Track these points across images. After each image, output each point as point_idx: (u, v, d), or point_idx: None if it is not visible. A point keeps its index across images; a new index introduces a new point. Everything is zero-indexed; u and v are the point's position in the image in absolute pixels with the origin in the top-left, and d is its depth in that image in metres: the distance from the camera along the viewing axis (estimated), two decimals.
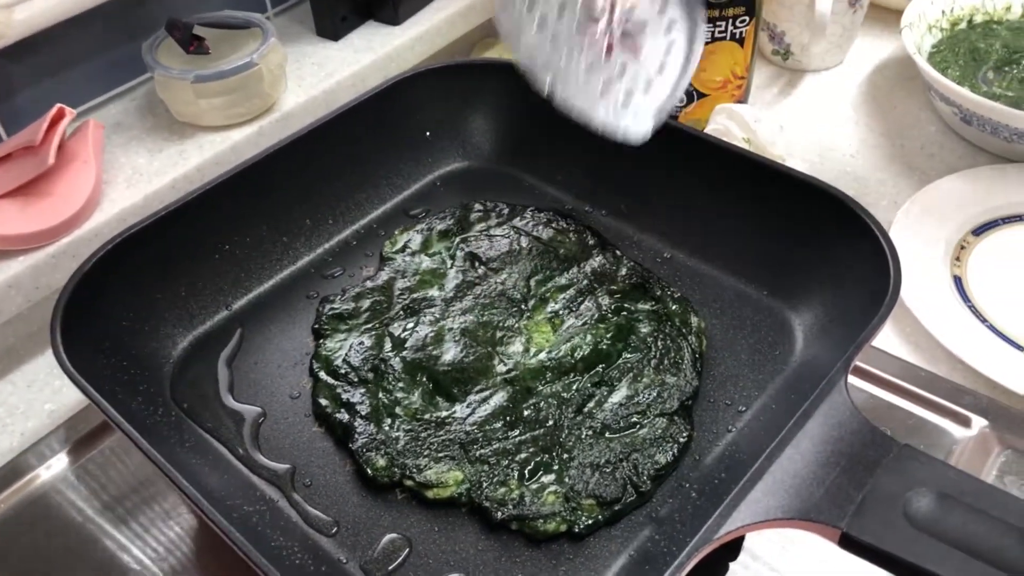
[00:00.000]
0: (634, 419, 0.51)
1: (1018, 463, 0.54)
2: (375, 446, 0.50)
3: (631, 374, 0.53)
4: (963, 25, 0.86)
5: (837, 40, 0.88)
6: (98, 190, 0.66)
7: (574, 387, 0.53)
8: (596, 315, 0.57)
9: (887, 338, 0.63)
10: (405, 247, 0.63)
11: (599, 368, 0.54)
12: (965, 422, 0.57)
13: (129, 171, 0.69)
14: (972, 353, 0.60)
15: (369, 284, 0.60)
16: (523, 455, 0.50)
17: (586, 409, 0.52)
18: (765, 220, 0.59)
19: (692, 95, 0.79)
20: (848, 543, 0.38)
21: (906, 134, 0.82)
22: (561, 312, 0.58)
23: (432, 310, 0.58)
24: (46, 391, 0.64)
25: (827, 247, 0.56)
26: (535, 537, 0.47)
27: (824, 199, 0.56)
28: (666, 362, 0.54)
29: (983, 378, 0.59)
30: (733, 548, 0.50)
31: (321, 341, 0.57)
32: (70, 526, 0.55)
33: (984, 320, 0.63)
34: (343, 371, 0.55)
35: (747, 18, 0.74)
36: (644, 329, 0.56)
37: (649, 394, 0.52)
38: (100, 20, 0.71)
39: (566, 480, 0.49)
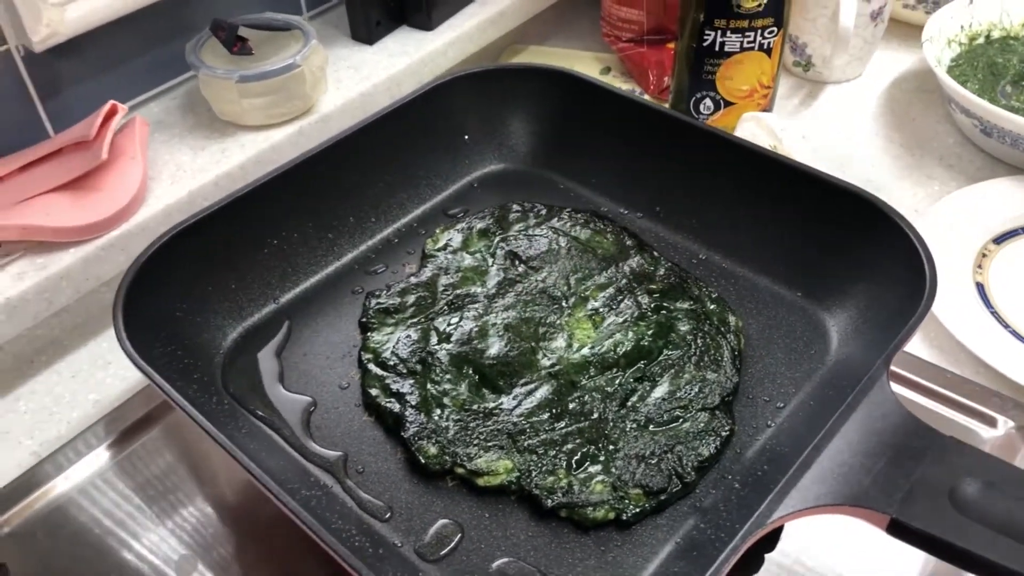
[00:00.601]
0: (677, 413, 0.53)
1: None
2: (426, 435, 0.52)
3: (672, 370, 0.55)
4: (981, 40, 0.88)
5: (858, 53, 0.90)
6: (145, 185, 0.67)
7: (617, 382, 0.55)
8: (636, 313, 0.58)
9: (913, 342, 0.65)
10: (447, 245, 0.65)
11: (641, 364, 0.56)
12: (991, 423, 0.59)
13: (173, 168, 0.71)
14: (996, 357, 0.62)
15: (413, 280, 0.62)
16: (570, 446, 0.51)
17: (629, 403, 0.54)
18: (799, 223, 0.61)
19: (719, 103, 0.81)
20: (897, 529, 0.40)
21: (925, 145, 0.84)
22: (601, 310, 0.59)
23: (475, 306, 0.60)
24: (90, 382, 0.65)
25: (860, 250, 0.58)
26: (584, 524, 0.49)
27: (858, 203, 0.58)
28: (706, 359, 0.56)
29: (1007, 381, 0.61)
30: (771, 540, 0.52)
31: (368, 334, 0.59)
32: (108, 519, 0.56)
33: (1007, 326, 0.65)
34: (392, 363, 0.56)
35: (775, 29, 0.76)
36: (684, 327, 0.57)
37: (691, 389, 0.54)
38: (144, 20, 0.73)
39: (613, 470, 0.50)
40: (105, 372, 0.66)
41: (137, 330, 0.52)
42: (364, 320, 0.60)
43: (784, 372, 0.56)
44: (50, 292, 0.63)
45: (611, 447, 0.51)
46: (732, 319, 0.59)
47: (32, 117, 0.69)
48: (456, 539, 0.49)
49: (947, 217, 0.73)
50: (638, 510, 0.49)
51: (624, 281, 0.61)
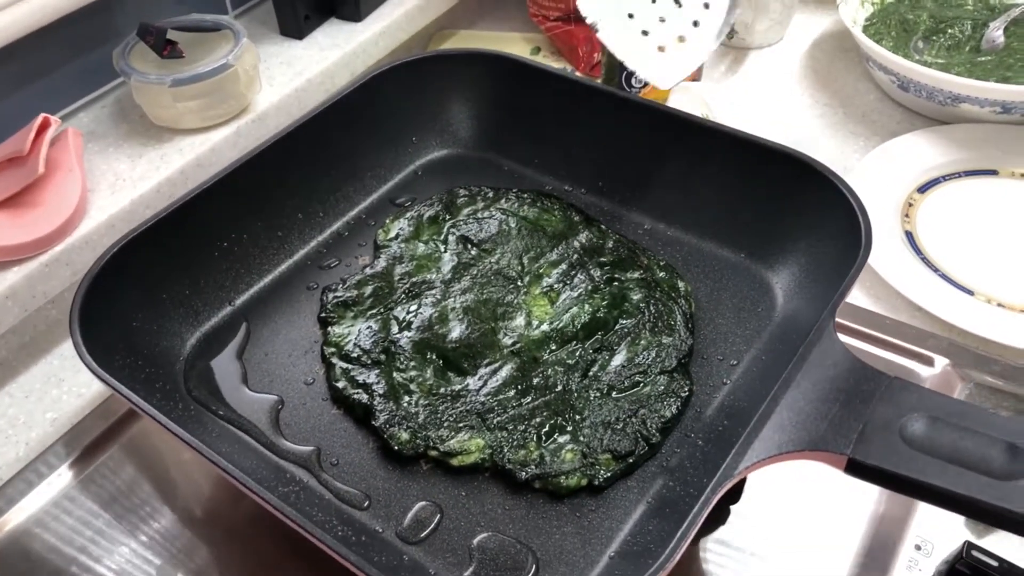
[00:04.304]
0: (637, 378, 0.55)
1: (980, 395, 0.59)
2: (397, 421, 0.53)
3: (629, 338, 0.57)
4: None
5: (778, 17, 0.93)
6: (85, 197, 0.66)
7: (577, 354, 0.56)
8: (590, 286, 0.60)
9: (851, 292, 0.68)
10: (398, 235, 0.65)
11: (599, 335, 0.57)
12: (929, 362, 0.62)
13: (112, 177, 0.70)
14: (929, 300, 0.65)
15: (369, 272, 0.63)
16: (538, 419, 0.53)
17: (591, 373, 0.55)
18: (737, 187, 0.63)
19: None
20: (854, 468, 0.42)
21: (847, 103, 0.88)
22: (556, 286, 0.61)
23: (433, 292, 0.61)
24: (45, 400, 0.64)
25: (797, 209, 0.61)
26: (558, 493, 0.50)
27: (792, 164, 0.60)
28: (660, 324, 0.58)
29: (940, 322, 0.64)
30: (735, 492, 0.54)
31: (329, 328, 0.59)
32: (79, 538, 0.55)
33: (936, 270, 0.69)
34: (355, 355, 0.57)
35: None
36: (636, 296, 0.59)
37: (648, 355, 0.56)
38: (65, 29, 0.71)
39: (581, 439, 0.52)
40: (59, 390, 0.65)
41: (96, 345, 0.51)
42: (323, 315, 0.60)
43: (735, 331, 0.59)
44: None
45: (577, 417, 0.53)
46: (681, 284, 0.61)
47: None
48: (436, 519, 0.50)
49: (874, 171, 0.77)
50: (609, 474, 0.50)
51: (575, 256, 0.62)
